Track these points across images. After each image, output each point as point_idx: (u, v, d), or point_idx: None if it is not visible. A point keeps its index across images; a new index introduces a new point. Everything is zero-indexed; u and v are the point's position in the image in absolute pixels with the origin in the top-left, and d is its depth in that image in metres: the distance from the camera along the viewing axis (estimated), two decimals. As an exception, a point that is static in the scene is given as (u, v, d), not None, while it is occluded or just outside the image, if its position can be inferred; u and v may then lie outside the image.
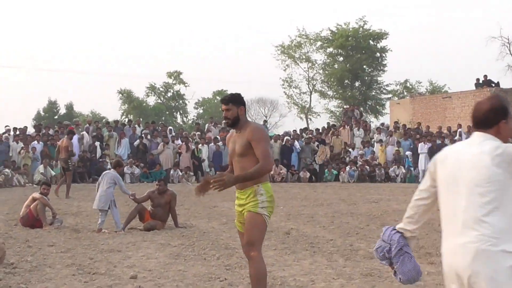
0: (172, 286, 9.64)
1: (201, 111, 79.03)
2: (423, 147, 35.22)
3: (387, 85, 64.21)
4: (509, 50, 54.62)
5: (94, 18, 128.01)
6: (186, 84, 75.81)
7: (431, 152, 34.87)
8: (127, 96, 71.49)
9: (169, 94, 76.35)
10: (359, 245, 13.37)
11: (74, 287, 9.63)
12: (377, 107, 62.74)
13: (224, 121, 8.17)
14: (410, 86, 66.34)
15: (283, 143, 36.93)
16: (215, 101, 78.67)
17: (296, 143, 37.22)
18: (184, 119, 77.52)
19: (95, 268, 10.95)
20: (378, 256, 5.96)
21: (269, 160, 7.75)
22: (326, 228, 15.97)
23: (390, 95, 63.79)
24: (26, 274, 10.57)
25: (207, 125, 40.37)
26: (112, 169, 16.79)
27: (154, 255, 12.19)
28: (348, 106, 48.45)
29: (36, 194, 16.65)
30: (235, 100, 7.90)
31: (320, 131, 40.57)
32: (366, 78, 61.83)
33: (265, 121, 52.56)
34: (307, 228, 15.80)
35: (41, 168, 31.73)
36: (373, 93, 62.88)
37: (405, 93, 64.10)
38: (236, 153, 7.81)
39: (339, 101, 63.14)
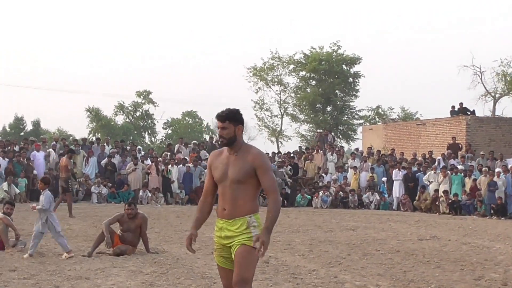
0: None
1: (169, 131, 77.88)
2: (397, 174, 34.56)
3: (359, 111, 63.64)
4: (481, 79, 54.33)
5: (62, 35, 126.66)
6: (155, 104, 74.95)
7: (406, 179, 34.35)
8: (95, 115, 70.30)
9: (138, 114, 75.47)
10: (344, 277, 12.58)
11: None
12: (349, 132, 62.16)
13: (219, 140, 7.10)
14: (382, 112, 65.84)
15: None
16: (184, 121, 78.15)
17: (270, 166, 36.14)
18: (153, 139, 76.60)
19: (61, 298, 10.07)
20: None
21: (278, 192, 7.06)
22: (306, 257, 15.15)
23: (362, 121, 63.31)
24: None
25: (177, 145, 39.44)
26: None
27: (125, 284, 11.33)
28: (321, 130, 47.84)
29: (-1, 214, 15.76)
30: (233, 118, 6.98)
31: (292, 154, 39.76)
32: (338, 102, 61.27)
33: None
34: (285, 256, 14.97)
35: (5, 185, 30.60)
36: (345, 118, 62.28)
37: (377, 119, 63.74)
38: (231, 178, 6.91)
39: (311, 125, 62.58)
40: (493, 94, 53.22)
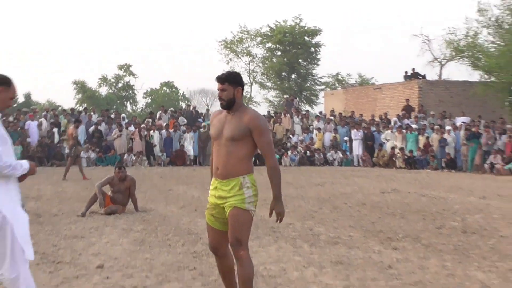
0: (141, 277, 8.41)
1: (149, 100, 76.96)
2: (357, 134, 34.54)
3: (320, 78, 63.60)
4: (429, 47, 54.28)
5: (51, 13, 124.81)
6: (135, 76, 74.03)
7: (365, 138, 34.27)
8: (81, 87, 69.19)
9: (120, 85, 74.59)
10: (318, 229, 12.31)
11: (39, 279, 8.33)
12: (312, 97, 62.08)
13: (219, 102, 6.45)
14: (341, 79, 65.89)
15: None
16: (162, 91, 77.50)
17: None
18: (134, 107, 75.72)
19: (60, 256, 9.71)
20: None
21: (275, 154, 6.50)
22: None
23: (323, 87, 63.16)
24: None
25: (158, 113, 39.00)
26: None
27: (118, 241, 10.96)
28: (288, 96, 47.51)
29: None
30: (233, 80, 6.38)
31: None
32: (302, 71, 61.12)
33: (208, 110, 51.25)
34: (262, 211, 14.54)
35: (1, 152, 29.98)
36: (308, 85, 62.14)
37: (337, 85, 63.72)
38: (226, 136, 6.31)
39: (277, 92, 62.41)
40: (439, 60, 53.19)
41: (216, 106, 67.99)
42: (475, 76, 42.80)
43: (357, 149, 34.42)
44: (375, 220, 13.64)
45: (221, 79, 6.36)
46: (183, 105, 59.92)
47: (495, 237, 11.63)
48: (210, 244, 6.60)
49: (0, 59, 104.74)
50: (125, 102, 74.43)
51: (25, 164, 6.06)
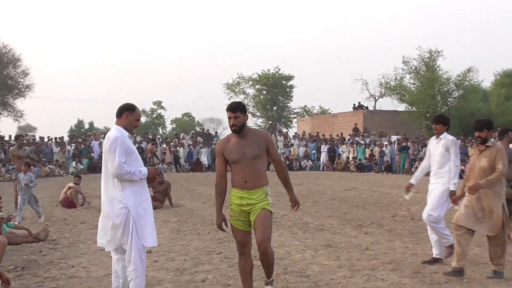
0: (181, 260, 7.60)
1: (174, 125, 76.32)
2: (324, 147, 33.68)
3: (294, 109, 62.73)
4: (366, 87, 53.59)
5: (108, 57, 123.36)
6: (165, 109, 73.64)
7: (328, 151, 33.49)
8: (127, 117, 68.51)
9: (154, 115, 73.88)
10: (307, 219, 11.51)
11: (103, 262, 7.50)
12: (288, 122, 61.14)
13: (232, 128, 5.41)
14: (308, 109, 65.28)
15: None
16: (183, 119, 76.92)
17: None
18: (164, 131, 74.91)
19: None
20: None
21: (282, 160, 5.77)
22: (276, 205, 13.98)
23: (295, 115, 62.42)
24: (65, 250, 8.47)
25: (182, 134, 38.22)
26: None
27: (160, 231, 10.06)
28: (271, 122, 46.78)
29: (71, 184, 14.57)
30: (243, 109, 5.46)
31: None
32: (280, 104, 60.46)
33: (216, 132, 50.44)
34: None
35: (73, 163, 29.18)
36: (285, 114, 61.33)
37: (305, 114, 63.03)
38: (249, 156, 5.35)
39: (264, 119, 61.56)
40: (374, 96, 52.77)
41: (220, 129, 66.94)
42: (401, 107, 42.55)
43: (323, 158, 33.59)
44: (346, 211, 12.86)
45: (234, 108, 5.39)
46: (197, 129, 59.23)
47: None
48: (240, 243, 5.49)
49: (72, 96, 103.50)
50: (157, 127, 73.63)
51: (144, 170, 5.36)
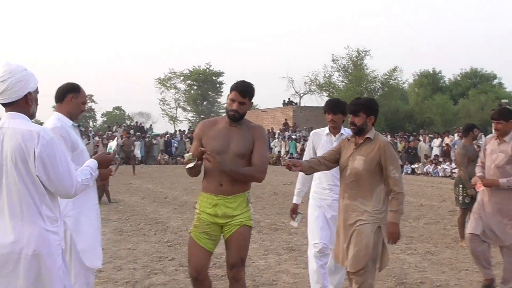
0: (130, 270, 6.33)
1: (105, 118, 73.64)
2: (255, 142, 32.89)
3: (223, 104, 61.50)
4: (292, 85, 53.34)
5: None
6: (95, 102, 70.87)
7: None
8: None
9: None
10: (256, 217, 10.39)
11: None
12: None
13: (231, 113, 3.96)
14: (237, 105, 64.84)
15: (165, 139, 33.37)
16: (113, 112, 74.45)
17: (173, 140, 33.71)
18: (94, 124, 72.05)
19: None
20: None
21: (266, 168, 4.02)
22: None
23: (225, 110, 61.74)
24: None
25: (114, 127, 36.54)
26: None
27: (101, 232, 8.78)
28: (203, 116, 45.65)
29: None
30: (252, 95, 4.02)
31: (186, 132, 37.30)
32: (211, 99, 59.95)
33: (151, 125, 48.73)
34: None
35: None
36: (215, 109, 60.59)
37: (234, 109, 62.55)
38: (234, 151, 3.92)
39: (194, 113, 60.44)
40: (299, 93, 52.66)
41: (148, 123, 64.95)
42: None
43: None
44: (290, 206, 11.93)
45: (244, 92, 3.95)
46: (128, 122, 57.24)
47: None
48: (193, 268, 3.92)
49: None
50: (89, 120, 70.82)
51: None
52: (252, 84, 4.06)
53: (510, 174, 5.07)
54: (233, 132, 4.00)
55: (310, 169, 4.32)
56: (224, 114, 4.06)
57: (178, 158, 31.93)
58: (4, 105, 2.98)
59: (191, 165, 3.90)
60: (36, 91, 3.10)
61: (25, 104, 3.00)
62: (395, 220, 3.99)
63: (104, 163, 3.55)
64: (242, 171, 3.91)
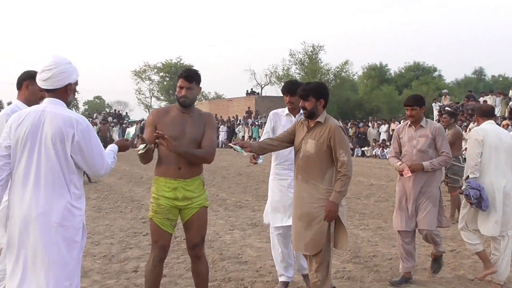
0: (107, 244, 6.21)
1: (86, 107, 72.22)
2: (223, 128, 32.73)
3: (192, 94, 61.66)
4: (254, 77, 52.89)
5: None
6: (78, 92, 68.81)
7: (227, 131, 32.56)
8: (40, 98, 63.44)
9: (67, 97, 69.47)
10: (222, 195, 10.44)
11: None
12: (187, 106, 60.13)
13: (181, 99, 3.75)
14: (205, 94, 63.94)
15: (141, 125, 32.77)
16: (94, 101, 72.99)
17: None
18: (77, 111, 70.55)
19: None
20: (473, 200, 4.53)
21: (214, 151, 3.85)
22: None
23: (194, 99, 61.25)
24: None
25: (95, 114, 35.88)
26: None
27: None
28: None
29: None
30: (198, 80, 3.82)
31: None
32: (182, 89, 59.17)
33: (127, 113, 47.87)
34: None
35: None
36: (185, 98, 60.09)
37: (202, 98, 61.73)
38: (189, 137, 3.73)
39: (167, 103, 59.68)
40: (260, 84, 52.53)
41: (125, 111, 63.71)
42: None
43: (222, 137, 32.53)
44: (256, 187, 11.88)
45: (189, 77, 3.76)
46: (107, 110, 56.26)
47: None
48: (161, 248, 3.75)
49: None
50: (71, 108, 69.10)
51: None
52: (198, 70, 3.86)
53: (431, 157, 4.80)
54: (186, 119, 3.81)
55: (260, 149, 4.13)
56: (176, 103, 3.88)
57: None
58: (46, 90, 3.06)
59: (141, 148, 3.66)
60: (76, 83, 3.19)
61: (64, 93, 3.09)
62: (335, 200, 3.74)
63: (123, 148, 3.51)
64: (196, 152, 3.73)
